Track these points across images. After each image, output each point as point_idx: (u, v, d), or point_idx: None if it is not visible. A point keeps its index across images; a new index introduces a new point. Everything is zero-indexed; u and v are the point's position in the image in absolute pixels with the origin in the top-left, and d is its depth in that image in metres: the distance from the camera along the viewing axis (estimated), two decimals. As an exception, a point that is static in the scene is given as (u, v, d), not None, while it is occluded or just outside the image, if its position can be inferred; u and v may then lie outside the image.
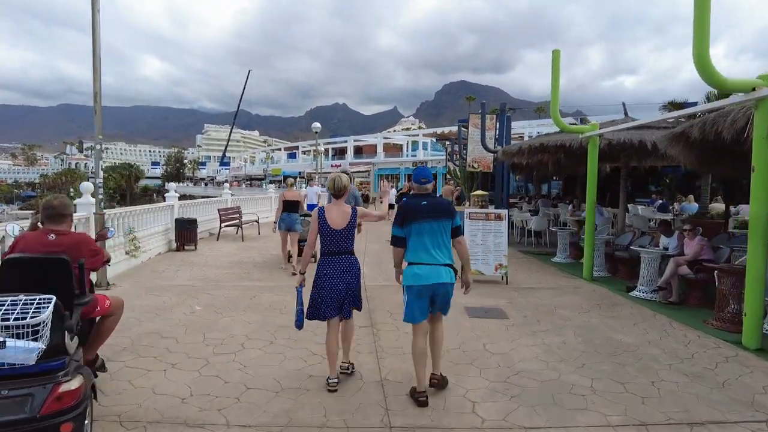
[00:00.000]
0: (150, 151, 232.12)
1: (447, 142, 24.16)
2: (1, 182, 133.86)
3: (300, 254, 9.02)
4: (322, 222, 3.79)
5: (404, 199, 3.71)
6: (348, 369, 4.02)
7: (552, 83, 8.33)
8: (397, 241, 3.72)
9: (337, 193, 3.92)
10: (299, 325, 3.87)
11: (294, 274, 7.86)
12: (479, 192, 13.42)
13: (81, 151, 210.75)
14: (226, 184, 16.80)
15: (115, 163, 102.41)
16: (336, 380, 3.75)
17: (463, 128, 20.90)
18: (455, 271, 3.70)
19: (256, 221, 13.91)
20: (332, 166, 58.95)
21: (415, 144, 56.35)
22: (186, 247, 10.73)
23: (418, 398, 3.56)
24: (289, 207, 8.51)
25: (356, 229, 3.99)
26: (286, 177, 15.53)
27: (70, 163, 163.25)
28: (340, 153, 65.60)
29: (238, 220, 12.76)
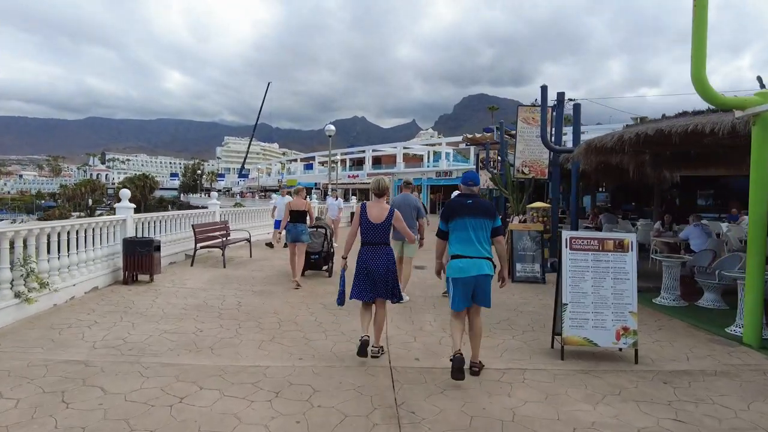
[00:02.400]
0: (170, 162, 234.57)
1: (480, 148, 20.89)
2: (26, 192, 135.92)
3: (310, 267, 8.54)
4: (364, 216, 4.38)
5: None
6: (378, 352, 4.41)
7: (694, 30, 5.09)
8: (442, 234, 4.13)
9: (379, 193, 4.51)
10: (340, 302, 4.50)
11: (297, 288, 7.52)
12: (538, 204, 10.17)
13: (103, 163, 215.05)
14: (214, 194, 13.47)
15: (135, 174, 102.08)
16: (367, 337, 4.28)
17: (506, 133, 17.70)
18: (494, 264, 4.00)
19: (247, 240, 10.86)
20: (349, 176, 56.22)
21: (437, 154, 53.19)
22: (139, 278, 7.73)
23: (455, 355, 3.81)
24: (295, 216, 7.90)
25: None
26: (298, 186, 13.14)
27: (91, 174, 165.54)
28: (358, 164, 62.79)
29: (221, 240, 9.71)
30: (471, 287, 3.89)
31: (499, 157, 19.21)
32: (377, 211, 4.38)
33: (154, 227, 9.11)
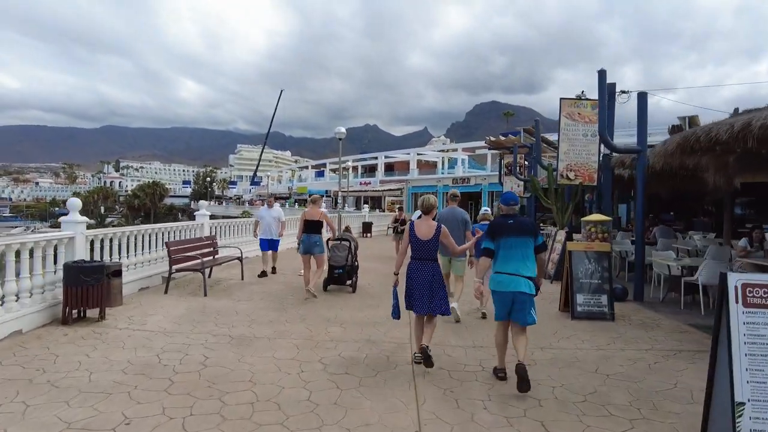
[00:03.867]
0: (184, 170, 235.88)
1: (505, 151, 18.88)
2: (41, 200, 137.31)
3: (334, 282, 8.11)
4: (413, 233, 4.55)
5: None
6: (427, 349, 4.34)
7: None
8: (487, 252, 4.17)
9: (425, 210, 4.70)
10: (395, 316, 4.67)
11: (307, 298, 7.38)
12: (596, 217, 8.16)
13: (117, 171, 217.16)
14: (203, 203, 11.13)
15: (147, 181, 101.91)
16: (420, 355, 4.35)
17: (531, 136, 15.69)
18: (536, 284, 4.06)
19: (238, 259, 9.02)
20: (361, 183, 54.49)
21: (452, 161, 51.19)
22: (87, 315, 5.93)
23: (498, 374, 4.18)
24: (309, 227, 7.68)
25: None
26: (311, 194, 12.07)
27: (105, 181, 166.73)
28: (370, 170, 61.01)
29: (200, 260, 7.86)
30: (508, 302, 4.01)
31: (526, 162, 17.24)
32: (425, 228, 4.54)
33: (118, 246, 7.31)
